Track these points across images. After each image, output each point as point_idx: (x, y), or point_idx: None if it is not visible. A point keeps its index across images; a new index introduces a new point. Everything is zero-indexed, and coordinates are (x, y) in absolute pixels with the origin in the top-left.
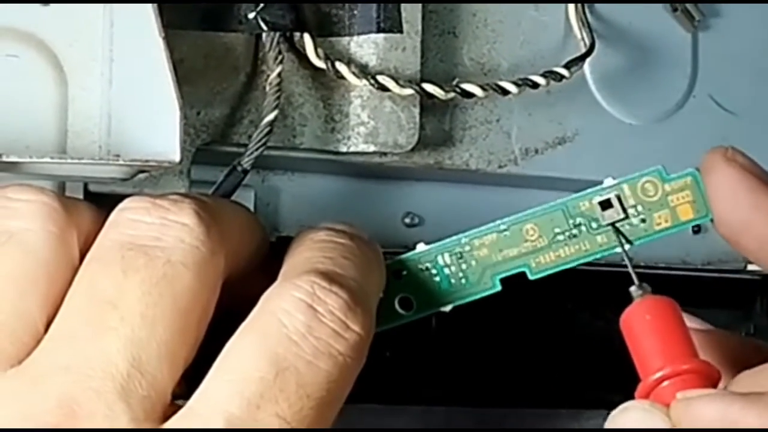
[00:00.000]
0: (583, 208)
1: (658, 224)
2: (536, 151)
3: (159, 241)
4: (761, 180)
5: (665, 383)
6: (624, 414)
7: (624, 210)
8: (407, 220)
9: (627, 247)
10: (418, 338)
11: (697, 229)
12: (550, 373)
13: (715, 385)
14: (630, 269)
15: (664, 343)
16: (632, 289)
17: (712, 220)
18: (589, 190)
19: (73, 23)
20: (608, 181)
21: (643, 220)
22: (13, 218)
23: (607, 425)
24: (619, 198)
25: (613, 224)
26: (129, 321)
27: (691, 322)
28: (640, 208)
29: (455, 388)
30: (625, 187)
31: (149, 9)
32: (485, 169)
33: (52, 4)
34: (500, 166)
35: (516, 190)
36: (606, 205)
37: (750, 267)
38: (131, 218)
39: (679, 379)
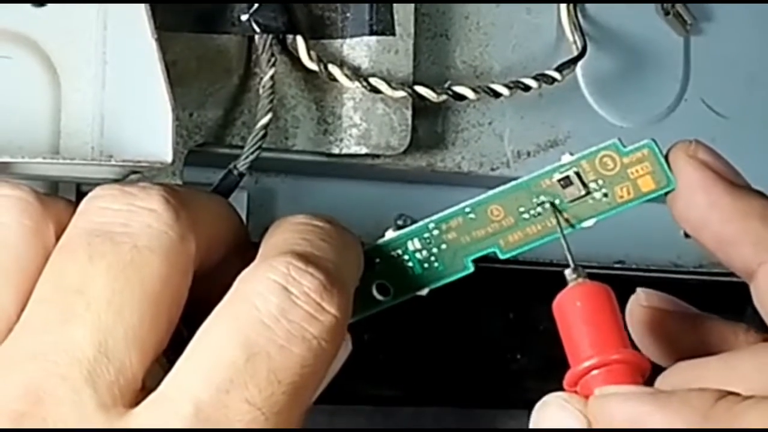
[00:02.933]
0: (544, 186)
1: (621, 197)
2: (528, 154)
3: (126, 227)
4: (720, 177)
5: (594, 372)
6: (543, 409)
7: (585, 185)
8: (399, 222)
9: (568, 230)
10: (410, 340)
11: (688, 234)
12: (541, 375)
13: (644, 376)
14: (566, 251)
15: (594, 331)
16: (567, 272)
17: (674, 189)
18: (548, 168)
19: (67, 25)
20: (566, 158)
21: (605, 195)
22: None
23: (532, 418)
24: (578, 174)
25: (552, 204)
26: (95, 307)
27: (669, 304)
28: (600, 182)
29: (447, 389)
30: (583, 162)
31: (142, 11)
32: (477, 171)
33: (45, 6)
34: (492, 169)
35: None
36: (566, 182)
37: None
38: (99, 206)
39: (607, 369)
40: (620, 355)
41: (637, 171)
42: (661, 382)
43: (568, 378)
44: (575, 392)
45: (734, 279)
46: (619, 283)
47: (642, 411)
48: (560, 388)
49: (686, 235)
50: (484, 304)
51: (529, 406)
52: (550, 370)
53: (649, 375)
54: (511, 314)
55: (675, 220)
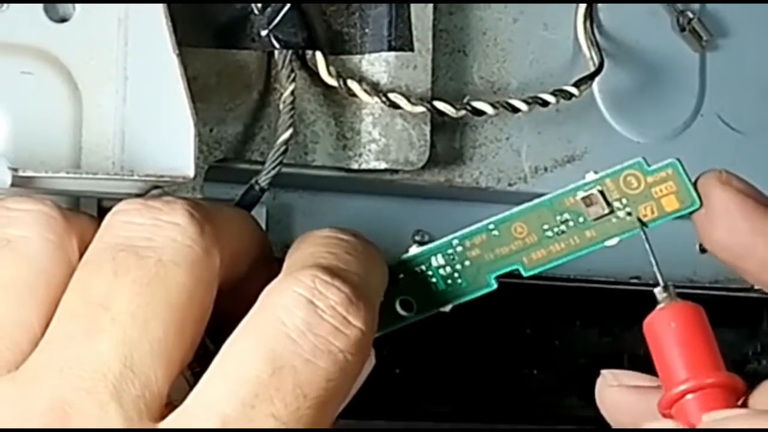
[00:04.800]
0: (568, 204)
1: (645, 216)
2: (546, 169)
3: (150, 242)
4: (758, 202)
5: (689, 396)
6: None
7: (608, 204)
8: (417, 238)
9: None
10: (426, 355)
11: (704, 248)
12: (558, 390)
13: (739, 398)
14: (655, 266)
15: (689, 353)
16: (657, 290)
17: (698, 209)
18: (572, 186)
19: (88, 41)
20: (590, 176)
21: (629, 213)
22: (12, 226)
23: None
24: (602, 193)
25: (639, 218)
26: (120, 321)
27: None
28: (624, 201)
29: (463, 404)
30: (607, 181)
31: (163, 27)
32: (495, 186)
33: (66, 22)
34: (510, 184)
35: None
36: (590, 200)
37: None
38: (123, 220)
39: (703, 393)
40: (716, 378)
41: (661, 190)
42: (753, 403)
43: (663, 401)
44: (670, 415)
45: (750, 294)
46: (635, 299)
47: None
48: (577, 404)
49: (702, 251)
50: (502, 319)
51: (545, 422)
52: (566, 385)
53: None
54: (528, 329)
55: (711, 250)
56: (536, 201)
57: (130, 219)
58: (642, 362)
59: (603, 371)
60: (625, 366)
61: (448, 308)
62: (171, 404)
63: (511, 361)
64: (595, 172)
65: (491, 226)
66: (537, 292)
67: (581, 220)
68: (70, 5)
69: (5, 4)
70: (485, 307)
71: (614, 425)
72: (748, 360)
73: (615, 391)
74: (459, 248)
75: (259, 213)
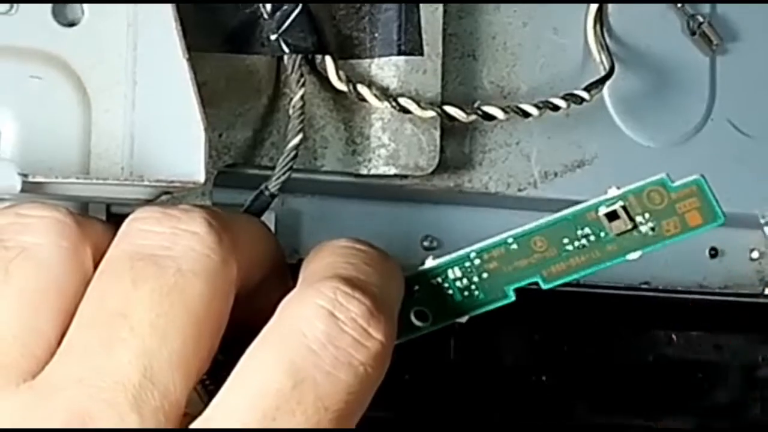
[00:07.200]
0: (589, 218)
1: (668, 231)
2: (555, 174)
3: (169, 251)
4: None
5: None
6: None
7: (631, 219)
8: (426, 243)
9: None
10: (439, 363)
11: (714, 253)
12: (567, 396)
13: None
14: None
15: None
16: None
17: (722, 224)
18: (594, 201)
19: (97, 45)
20: (612, 191)
21: (653, 228)
22: (26, 233)
23: None
24: (625, 208)
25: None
26: (139, 331)
27: None
28: (647, 215)
29: (471, 409)
30: (630, 197)
31: (173, 31)
32: (505, 192)
33: (76, 26)
34: (520, 189)
35: (535, 213)
36: (612, 216)
37: None
38: (141, 228)
39: None
40: None
41: (684, 206)
42: None
43: None
44: None
45: (760, 300)
46: (645, 305)
47: None
48: (587, 410)
49: (711, 256)
50: (510, 325)
51: (554, 428)
52: (575, 391)
53: None
54: (536, 335)
55: None
56: (556, 216)
57: (148, 227)
58: (652, 367)
59: None
60: (635, 370)
61: (464, 319)
62: (188, 415)
63: (519, 368)
64: (618, 188)
65: (510, 240)
66: (545, 298)
67: (603, 234)
68: (78, 9)
69: (14, 7)
70: (493, 313)
71: None
72: (758, 365)
73: None
74: (477, 261)
75: (268, 218)
